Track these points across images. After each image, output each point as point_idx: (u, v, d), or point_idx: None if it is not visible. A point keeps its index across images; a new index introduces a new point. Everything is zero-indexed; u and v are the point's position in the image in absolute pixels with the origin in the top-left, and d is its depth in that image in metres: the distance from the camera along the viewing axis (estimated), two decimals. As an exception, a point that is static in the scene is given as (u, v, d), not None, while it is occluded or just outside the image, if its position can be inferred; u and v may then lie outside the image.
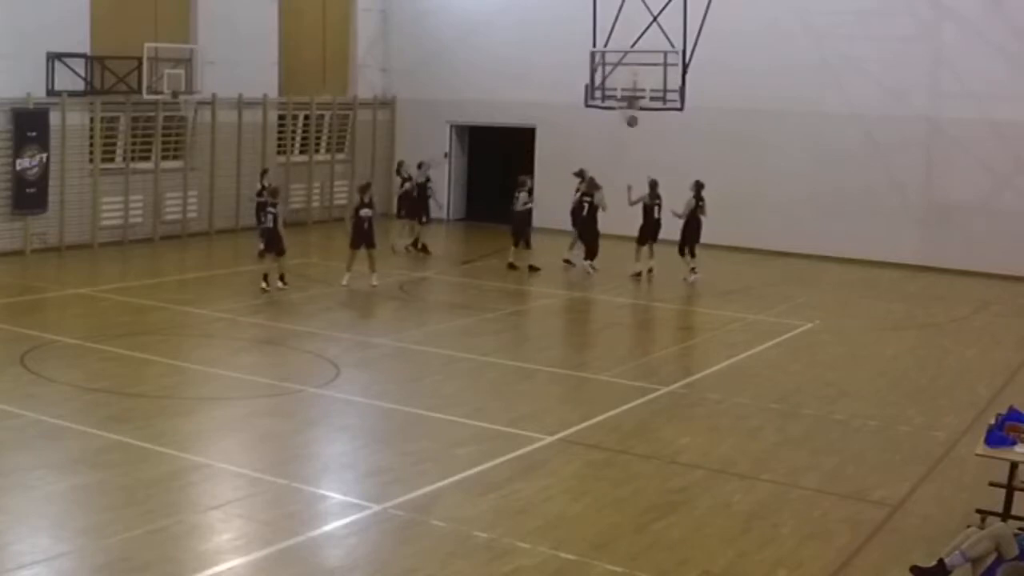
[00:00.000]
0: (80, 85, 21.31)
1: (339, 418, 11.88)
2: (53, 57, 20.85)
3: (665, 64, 20.06)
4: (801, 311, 17.80)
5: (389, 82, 27.91)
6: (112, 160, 22.42)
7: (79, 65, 21.25)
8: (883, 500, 9.81)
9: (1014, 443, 8.80)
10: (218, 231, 23.88)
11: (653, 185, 20.20)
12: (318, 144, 26.60)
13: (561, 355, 15.07)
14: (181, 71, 22.22)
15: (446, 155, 27.53)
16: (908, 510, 9.67)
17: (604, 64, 20.80)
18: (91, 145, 21.80)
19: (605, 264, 20.51)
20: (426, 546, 8.46)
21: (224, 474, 9.95)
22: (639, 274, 20.10)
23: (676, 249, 19.93)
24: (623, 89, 20.60)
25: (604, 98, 20.72)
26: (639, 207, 20.25)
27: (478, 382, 13.34)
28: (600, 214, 20.40)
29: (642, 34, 20.41)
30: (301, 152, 26.30)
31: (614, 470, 10.33)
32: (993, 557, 7.69)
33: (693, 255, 19.86)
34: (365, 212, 18.37)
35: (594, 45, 20.98)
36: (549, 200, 24.27)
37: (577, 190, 20.81)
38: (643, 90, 20.40)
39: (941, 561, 7.82)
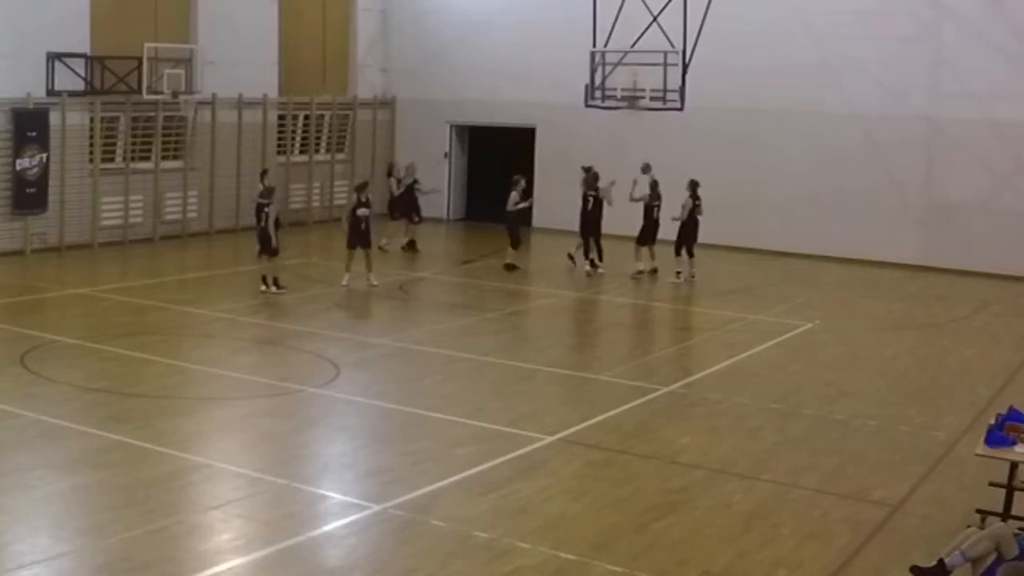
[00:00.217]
0: (80, 85, 21.31)
1: (339, 418, 11.89)
2: (53, 57, 20.86)
3: (665, 64, 20.07)
4: (801, 311, 17.80)
5: (389, 82, 27.91)
6: (112, 160, 22.42)
7: (79, 65, 21.25)
8: (883, 500, 9.81)
9: (1014, 443, 8.80)
10: (218, 231, 23.88)
11: (653, 186, 20.19)
12: (318, 144, 26.60)
13: (561, 355, 15.07)
14: (181, 71, 22.23)
15: (446, 155, 27.54)
16: (908, 510, 9.67)
17: (604, 64, 20.81)
18: (91, 145, 21.80)
19: (605, 264, 20.52)
20: (426, 546, 8.46)
21: (224, 474, 9.95)
22: (640, 273, 20.09)
23: (673, 250, 19.85)
24: (623, 89, 20.62)
25: (604, 98, 20.73)
26: (638, 206, 20.23)
27: (478, 382, 13.35)
28: (606, 208, 20.38)
29: (642, 34, 20.42)
30: (301, 152, 26.30)
31: (614, 470, 10.33)
32: (993, 557, 7.69)
33: (691, 255, 19.82)
34: (363, 212, 18.34)
35: (594, 45, 20.99)
36: (550, 200, 24.30)
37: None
38: (643, 90, 20.42)
39: (941, 561, 7.82)
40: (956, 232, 22.07)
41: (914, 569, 7.96)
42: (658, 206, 20.19)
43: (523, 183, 20.81)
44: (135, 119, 22.51)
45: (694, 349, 15.98)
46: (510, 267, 20.47)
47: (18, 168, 20.51)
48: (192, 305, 16.91)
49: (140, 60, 21.62)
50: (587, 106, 21.14)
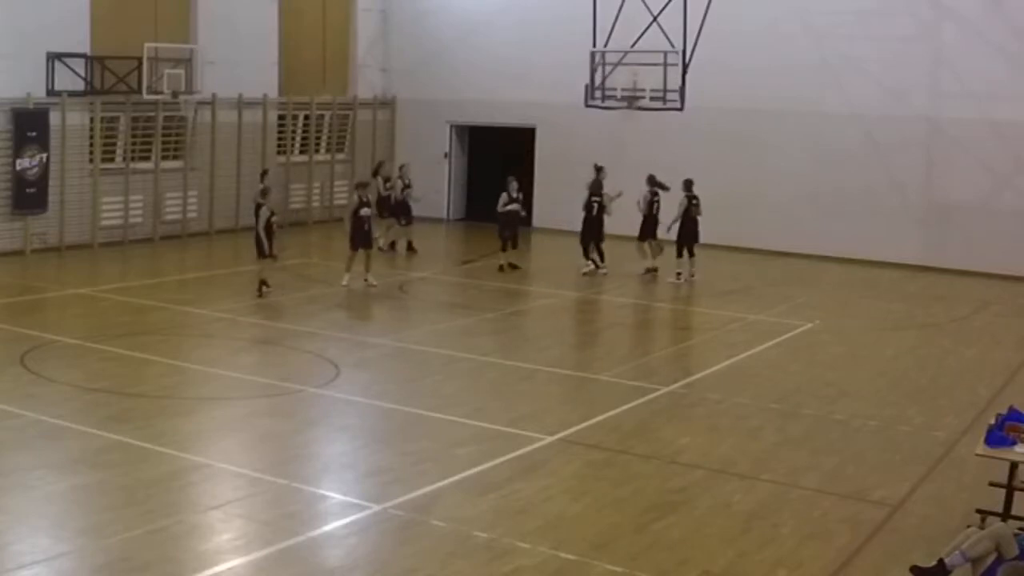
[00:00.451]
0: (80, 85, 21.31)
1: (339, 418, 11.89)
2: (53, 57, 20.86)
3: (665, 64, 20.07)
4: (801, 311, 17.80)
5: (389, 82, 27.91)
6: (112, 160, 22.42)
7: (79, 65, 21.25)
8: (883, 500, 9.81)
9: (1014, 443, 8.80)
10: (218, 231, 23.88)
11: (651, 181, 20.16)
12: (318, 144, 26.60)
13: (561, 355, 15.07)
14: (181, 71, 22.23)
15: (446, 155, 27.54)
16: (908, 510, 9.67)
17: (604, 64, 20.81)
18: (91, 145, 21.80)
19: (607, 264, 20.52)
20: (426, 546, 8.46)
21: (224, 474, 9.95)
22: (648, 271, 20.09)
23: (675, 250, 19.82)
24: (623, 89, 20.62)
25: (604, 98, 20.73)
26: (642, 201, 20.24)
27: (478, 382, 13.35)
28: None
29: (642, 34, 20.42)
30: (301, 152, 26.30)
31: (614, 470, 10.33)
32: (993, 557, 7.69)
33: (691, 254, 19.80)
34: (365, 212, 18.32)
35: (594, 45, 20.99)
36: (550, 200, 24.31)
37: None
38: (643, 90, 20.42)
39: (941, 561, 7.82)
40: (956, 232, 22.07)
41: (914, 569, 7.96)
42: (658, 201, 20.19)
43: (515, 184, 20.58)
44: (135, 119, 22.51)
45: (694, 349, 15.98)
46: (502, 268, 20.33)
47: (18, 168, 20.51)
48: (192, 305, 16.91)
49: (140, 60, 21.62)
50: (587, 106, 21.14)
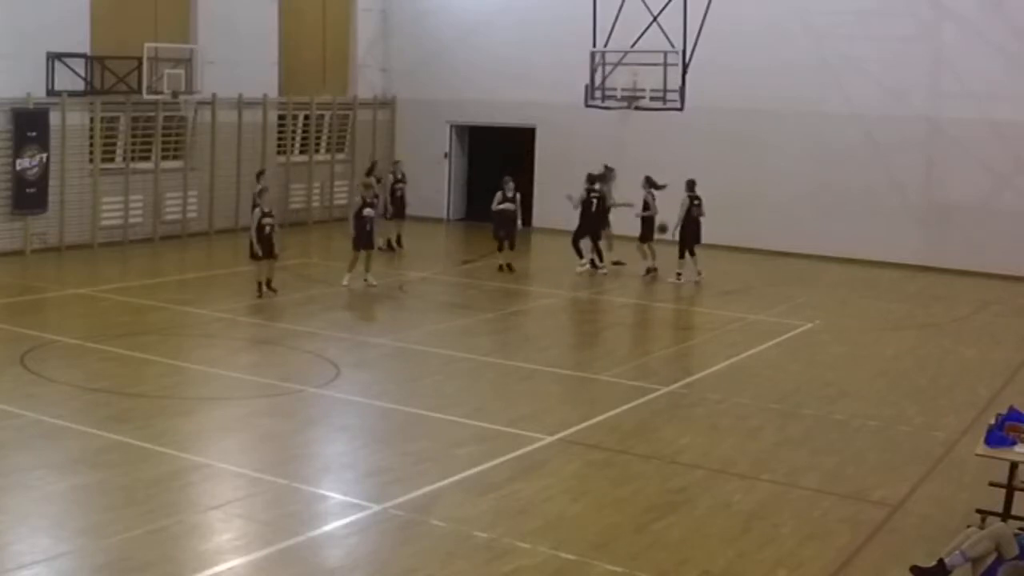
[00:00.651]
0: (80, 85, 21.31)
1: (339, 418, 11.89)
2: (53, 57, 20.86)
3: (665, 64, 20.07)
4: (801, 311, 17.80)
5: (389, 82, 27.91)
6: (112, 160, 22.42)
7: (79, 65, 21.25)
8: (883, 500, 9.82)
9: (1014, 443, 8.80)
10: (218, 231, 23.88)
11: (649, 182, 20.14)
12: (318, 144, 26.60)
13: (561, 355, 15.07)
14: (181, 71, 22.22)
15: (446, 155, 27.55)
16: (908, 510, 9.67)
17: (604, 64, 20.81)
18: (91, 145, 21.80)
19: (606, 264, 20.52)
20: (426, 546, 8.46)
21: (224, 474, 9.95)
22: (650, 271, 20.09)
23: (677, 251, 19.79)
24: (623, 89, 20.61)
25: (604, 98, 20.72)
26: (638, 204, 20.22)
27: (478, 382, 13.35)
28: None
29: (642, 34, 20.42)
30: (301, 152, 26.30)
31: (614, 470, 10.33)
32: (993, 557, 7.69)
33: (692, 254, 19.80)
34: (368, 212, 18.28)
35: (594, 45, 20.99)
36: (550, 200, 24.28)
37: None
38: (643, 90, 20.42)
39: (941, 561, 7.82)
40: (956, 232, 22.07)
41: (914, 569, 7.96)
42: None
43: (511, 184, 20.41)
44: (135, 119, 22.51)
45: (694, 349, 15.98)
46: (501, 268, 20.25)
47: (18, 168, 20.51)
48: (192, 305, 16.91)
49: (140, 60, 21.62)
50: (587, 106, 21.14)
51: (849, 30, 22.54)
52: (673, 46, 20.05)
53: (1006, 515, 8.88)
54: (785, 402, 12.70)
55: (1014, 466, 8.96)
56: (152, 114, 22.63)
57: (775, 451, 11.05)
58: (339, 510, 9.19)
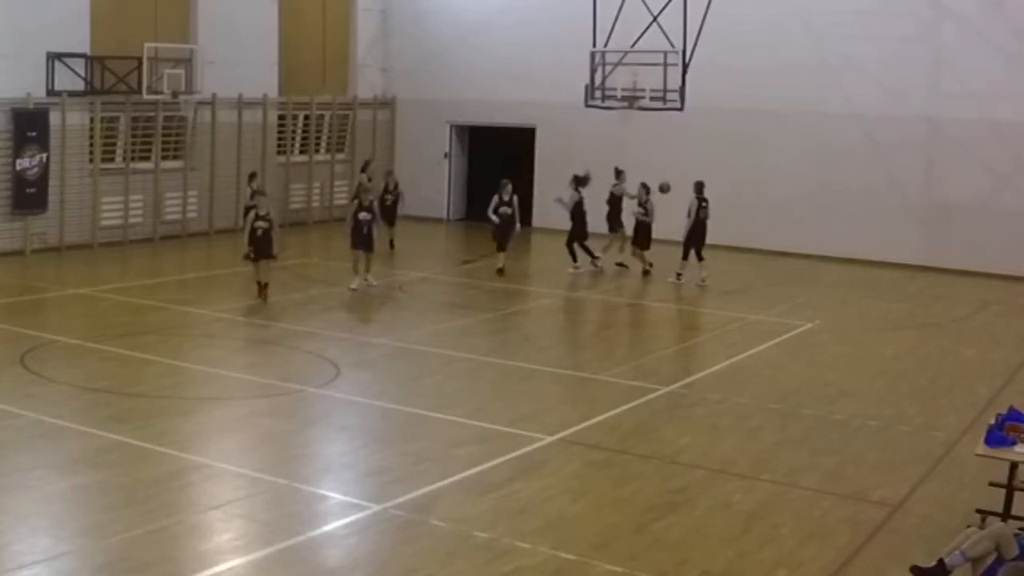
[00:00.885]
0: (80, 85, 21.31)
1: (339, 418, 11.89)
2: (53, 57, 20.85)
3: (665, 64, 20.07)
4: (801, 311, 17.80)
5: (389, 82, 27.91)
6: (112, 160, 22.42)
7: (79, 65, 21.25)
8: (883, 500, 9.82)
9: (1014, 443, 8.80)
10: (218, 231, 23.88)
11: (646, 188, 20.13)
12: (318, 144, 26.60)
13: (561, 355, 15.07)
14: (181, 71, 22.21)
15: (446, 155, 27.55)
16: (908, 510, 9.67)
17: (604, 64, 20.81)
18: (91, 145, 21.80)
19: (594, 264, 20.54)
20: (426, 546, 8.46)
21: (224, 474, 9.95)
22: (645, 272, 20.09)
23: (681, 251, 19.72)
24: (623, 89, 20.61)
25: (604, 98, 20.72)
26: (634, 205, 20.23)
27: (478, 382, 13.35)
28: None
29: (642, 34, 20.42)
30: (301, 152, 26.30)
31: (614, 470, 10.34)
32: (993, 557, 7.69)
33: (700, 258, 19.66)
34: (364, 216, 18.14)
35: (594, 45, 20.99)
36: (550, 200, 24.25)
37: (612, 189, 20.64)
38: (643, 90, 20.41)
39: (941, 561, 7.82)
40: (956, 232, 22.07)
41: (914, 569, 7.96)
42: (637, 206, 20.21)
43: (509, 188, 20.18)
44: (135, 119, 22.50)
45: (694, 349, 15.98)
46: (497, 273, 20.03)
47: (18, 168, 20.51)
48: (192, 305, 16.91)
49: (140, 60, 21.61)
50: (587, 106, 21.14)
51: (849, 30, 22.54)
52: (673, 46, 20.05)
53: (1006, 515, 8.88)
54: (785, 402, 12.70)
55: (1014, 466, 8.96)
56: (152, 114, 22.63)
57: (775, 451, 11.05)
58: (339, 510, 9.19)
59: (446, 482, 9.76)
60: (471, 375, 13.63)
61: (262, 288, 17.16)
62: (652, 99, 20.32)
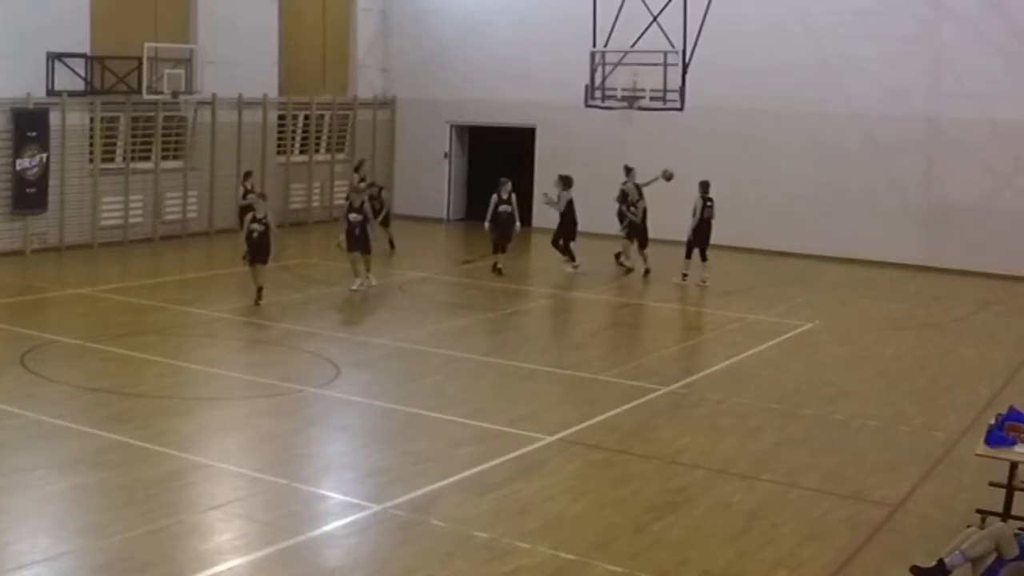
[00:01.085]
0: (80, 85, 21.31)
1: (339, 418, 11.89)
2: (53, 57, 20.85)
3: (665, 64, 20.06)
4: (801, 311, 17.80)
5: (389, 82, 27.91)
6: (112, 160, 22.41)
7: (79, 65, 21.25)
8: (883, 500, 9.82)
9: (1014, 443, 8.80)
10: (218, 231, 23.88)
11: (638, 189, 20.11)
12: (318, 144, 26.60)
13: (561, 355, 15.07)
14: (181, 71, 22.21)
15: (446, 155, 27.55)
16: (908, 510, 9.67)
17: (604, 64, 20.81)
18: (91, 145, 21.80)
19: (600, 265, 20.52)
20: (426, 546, 8.46)
21: (224, 474, 9.95)
22: (646, 272, 20.07)
23: (684, 250, 19.64)
24: (623, 89, 20.60)
25: (604, 98, 20.71)
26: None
27: (478, 382, 13.35)
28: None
29: (642, 34, 20.41)
30: (301, 152, 26.30)
31: (614, 470, 10.34)
32: (993, 557, 7.69)
33: (704, 258, 19.56)
34: (354, 217, 17.94)
35: (594, 45, 20.98)
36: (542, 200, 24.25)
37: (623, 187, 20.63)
38: (643, 90, 20.40)
39: (941, 561, 7.82)
40: (956, 232, 22.07)
41: (914, 569, 7.96)
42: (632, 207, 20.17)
43: (508, 187, 20.13)
44: (135, 119, 22.50)
45: (694, 349, 15.98)
46: (499, 272, 19.97)
47: (18, 168, 20.50)
48: (192, 305, 16.91)
49: (140, 60, 21.61)
50: (587, 106, 21.13)
51: (849, 30, 22.54)
52: (673, 46, 20.04)
53: (1006, 515, 8.88)
54: (785, 402, 12.70)
55: (1014, 466, 8.96)
56: (152, 114, 22.63)
57: (775, 451, 11.05)
58: (339, 510, 9.19)
59: (446, 482, 9.76)
60: (471, 375, 13.63)
61: (256, 293, 16.89)
62: (652, 99, 20.31)
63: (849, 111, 22.65)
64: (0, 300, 16.82)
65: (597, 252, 21.10)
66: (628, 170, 20.83)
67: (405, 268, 20.87)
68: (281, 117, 25.45)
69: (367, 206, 18.39)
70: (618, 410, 12.17)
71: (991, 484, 9.30)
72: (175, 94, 22.14)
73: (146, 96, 21.85)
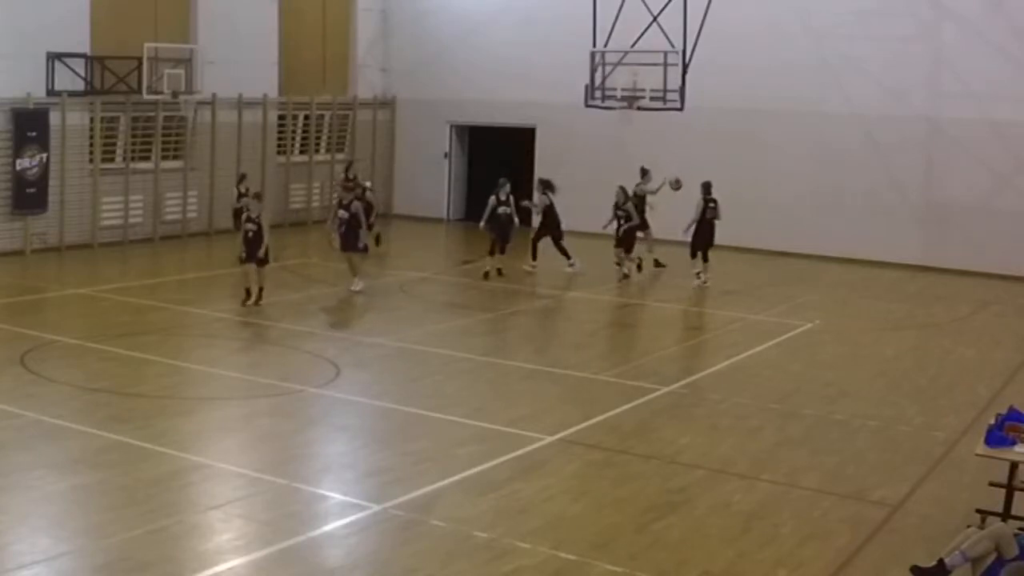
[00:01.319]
0: (80, 85, 21.31)
1: (339, 418, 11.88)
2: (53, 57, 20.85)
3: (665, 64, 20.06)
4: (801, 311, 17.80)
5: (389, 82, 27.91)
6: (112, 160, 22.41)
7: (79, 65, 21.25)
8: (883, 500, 9.81)
9: (1014, 443, 8.80)
10: (218, 231, 23.85)
11: (624, 192, 19.98)
12: (318, 144, 26.60)
13: (561, 355, 15.06)
14: (181, 71, 22.20)
15: (446, 155, 27.55)
16: (908, 510, 9.66)
17: (604, 64, 20.81)
18: (91, 145, 21.80)
19: (599, 266, 20.53)
20: (426, 546, 8.46)
21: (224, 474, 9.94)
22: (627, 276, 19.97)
23: (689, 252, 19.61)
24: (623, 89, 20.60)
25: (604, 98, 20.71)
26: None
27: (478, 382, 13.34)
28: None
29: (642, 34, 20.41)
30: (301, 152, 26.30)
31: (614, 470, 10.33)
32: (993, 557, 7.69)
33: (706, 259, 19.55)
34: (342, 214, 17.85)
35: (594, 45, 20.98)
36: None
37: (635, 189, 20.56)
38: (643, 90, 20.40)
39: (941, 561, 7.82)
40: (956, 232, 22.06)
41: (914, 569, 7.96)
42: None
43: (507, 188, 20.03)
44: (135, 119, 22.50)
45: (694, 349, 15.98)
46: (487, 275, 19.75)
47: (18, 168, 20.50)
48: (192, 305, 16.91)
49: (140, 60, 21.60)
50: (587, 106, 21.13)
51: (849, 30, 22.54)
52: (673, 46, 20.04)
53: (1006, 515, 8.88)
54: (785, 402, 12.70)
55: (1014, 466, 8.96)
56: (152, 114, 22.62)
57: (775, 451, 11.05)
58: (339, 510, 9.18)
59: (446, 482, 9.75)
60: (471, 375, 13.63)
61: (250, 295, 16.59)
62: (652, 99, 20.31)
63: (849, 111, 22.65)
64: (0, 300, 16.82)
65: (595, 252, 21.06)
66: (644, 172, 20.69)
67: (405, 268, 20.87)
68: (281, 117, 25.45)
69: (356, 204, 18.14)
70: (618, 410, 12.17)
71: (991, 484, 9.30)
72: (175, 94, 22.16)
73: (146, 96, 21.85)
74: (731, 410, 12.37)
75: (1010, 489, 9.01)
